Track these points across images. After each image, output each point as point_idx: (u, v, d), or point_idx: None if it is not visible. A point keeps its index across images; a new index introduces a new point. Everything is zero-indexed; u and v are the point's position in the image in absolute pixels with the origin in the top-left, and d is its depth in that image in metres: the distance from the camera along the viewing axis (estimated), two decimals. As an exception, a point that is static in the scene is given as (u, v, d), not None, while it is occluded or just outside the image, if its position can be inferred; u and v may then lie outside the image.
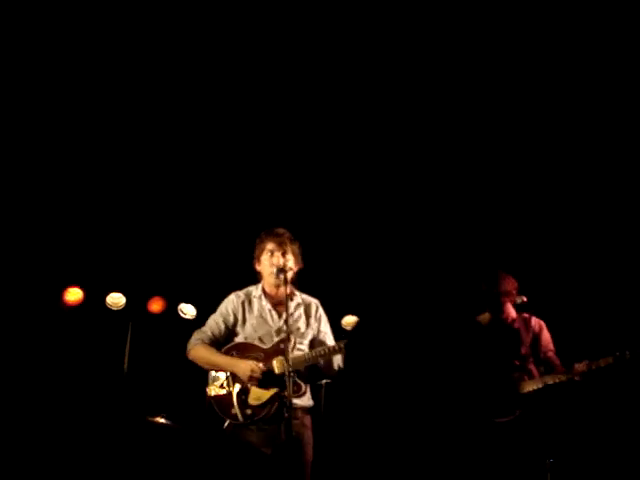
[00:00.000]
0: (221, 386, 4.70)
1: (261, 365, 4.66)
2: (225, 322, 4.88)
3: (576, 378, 5.48)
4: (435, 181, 7.65)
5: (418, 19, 6.34)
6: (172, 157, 7.35)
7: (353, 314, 8.23)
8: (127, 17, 6.23)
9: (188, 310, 7.84)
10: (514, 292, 5.85)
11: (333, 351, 4.73)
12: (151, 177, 7.45)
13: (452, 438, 6.40)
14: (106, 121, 7.02)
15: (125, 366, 7.76)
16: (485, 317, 6.06)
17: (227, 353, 4.78)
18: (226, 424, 4.69)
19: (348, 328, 8.32)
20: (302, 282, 5.03)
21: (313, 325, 4.95)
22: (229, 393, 4.67)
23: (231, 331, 4.89)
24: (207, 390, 4.74)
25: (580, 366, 5.46)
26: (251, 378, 4.63)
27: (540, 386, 5.59)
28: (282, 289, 4.76)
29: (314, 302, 5.02)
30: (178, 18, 6.29)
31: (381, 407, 7.96)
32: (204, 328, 4.92)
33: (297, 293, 4.99)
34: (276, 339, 4.80)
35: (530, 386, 5.62)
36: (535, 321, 5.93)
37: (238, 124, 7.21)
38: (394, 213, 7.79)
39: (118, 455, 7.08)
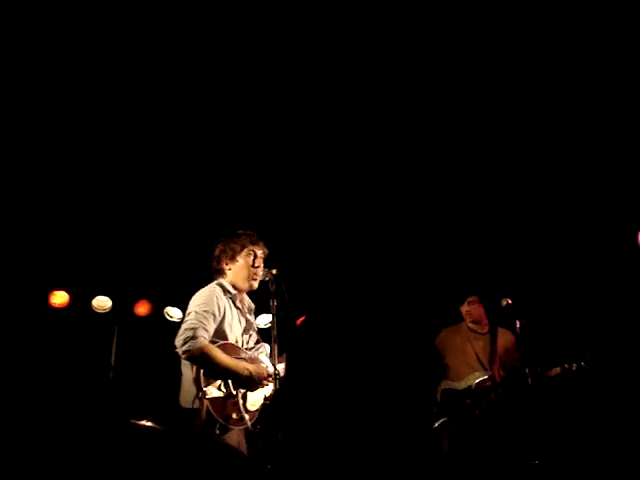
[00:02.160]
0: (220, 389, 4.47)
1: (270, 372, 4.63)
2: (214, 313, 4.63)
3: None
4: (417, 185, 7.68)
5: (418, 19, 6.33)
6: (159, 161, 7.34)
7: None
8: (126, 17, 6.20)
9: (174, 313, 7.84)
10: (501, 299, 5.96)
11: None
12: (137, 181, 7.43)
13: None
14: (89, 123, 6.99)
15: (111, 369, 7.75)
16: (462, 325, 6.25)
17: None
18: (217, 430, 4.46)
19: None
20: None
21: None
22: (229, 397, 4.50)
23: (218, 326, 4.65)
24: (204, 392, 4.41)
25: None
26: (267, 381, 4.60)
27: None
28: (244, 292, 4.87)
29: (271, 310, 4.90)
30: (171, 17, 6.27)
31: (353, 403, 8.00)
32: (202, 323, 4.53)
33: (248, 300, 4.98)
34: (251, 342, 4.84)
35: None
36: (506, 333, 6.21)
37: (222, 133, 7.20)
38: (378, 217, 7.83)
39: (104, 458, 7.07)
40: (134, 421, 5.98)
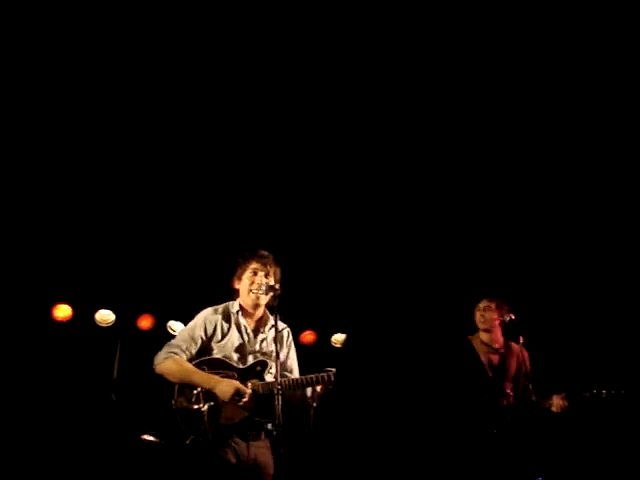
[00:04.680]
0: (190, 401, 4.59)
1: (247, 390, 4.62)
2: (201, 336, 4.78)
3: (553, 409, 5.54)
4: (422, 198, 7.68)
5: (418, 19, 6.34)
6: (163, 173, 7.35)
7: (341, 332, 8.28)
8: (125, 16, 6.22)
9: (177, 327, 7.83)
10: (504, 315, 5.91)
11: (321, 381, 4.69)
12: (140, 196, 7.45)
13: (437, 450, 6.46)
14: (89, 133, 7.00)
15: (114, 383, 7.74)
16: (476, 338, 6.12)
17: (198, 367, 4.71)
18: (188, 441, 4.56)
19: (337, 345, 8.36)
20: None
21: (283, 350, 4.96)
22: (199, 409, 4.57)
23: (205, 346, 4.80)
24: (173, 402, 4.61)
25: (557, 400, 5.53)
26: (233, 399, 4.59)
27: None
28: (260, 310, 4.92)
29: (285, 328, 4.99)
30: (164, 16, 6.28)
31: (374, 419, 7.98)
32: (176, 341, 4.81)
33: (270, 317, 4.98)
34: (251, 360, 4.83)
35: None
36: (520, 350, 6.01)
37: (222, 148, 7.22)
38: (383, 229, 7.82)
39: (107, 472, 7.06)
40: (139, 435, 6.01)
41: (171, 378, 4.68)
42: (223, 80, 6.74)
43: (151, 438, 6.24)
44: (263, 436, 4.73)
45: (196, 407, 4.58)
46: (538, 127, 7.11)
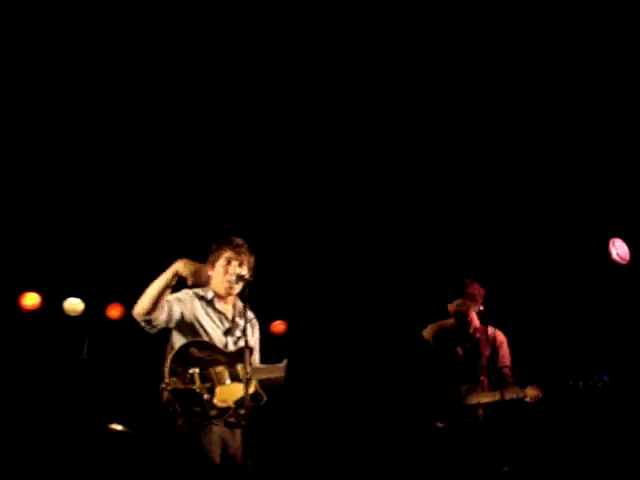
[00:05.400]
0: (184, 381, 4.54)
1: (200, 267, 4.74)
2: (181, 310, 4.76)
3: (527, 400, 5.51)
4: (392, 185, 7.68)
5: (418, 19, 6.33)
6: (131, 162, 7.28)
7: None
8: (126, 16, 6.17)
9: (147, 316, 7.78)
10: (479, 299, 5.90)
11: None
12: (109, 183, 7.37)
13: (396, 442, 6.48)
14: (60, 124, 6.94)
15: (83, 372, 7.70)
16: (447, 322, 6.08)
17: (187, 348, 4.66)
18: (179, 423, 4.53)
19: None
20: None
21: (251, 340, 4.95)
22: (193, 390, 4.54)
23: (188, 325, 4.78)
24: (167, 382, 4.51)
25: (531, 391, 5.50)
26: (187, 266, 4.66)
27: (493, 400, 5.62)
28: (232, 298, 4.92)
29: (252, 315, 4.99)
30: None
31: (326, 412, 8.00)
32: None
33: (240, 305, 4.97)
34: (232, 345, 4.83)
35: (482, 398, 5.66)
36: (496, 334, 5.97)
37: (191, 136, 7.18)
38: (352, 219, 7.82)
39: (75, 462, 7.02)
40: (107, 425, 5.98)
41: (144, 303, 4.65)
42: (195, 63, 6.67)
43: (120, 427, 6.21)
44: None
45: (192, 387, 4.54)
46: (501, 129, 7.15)
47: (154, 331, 4.76)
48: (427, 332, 6.14)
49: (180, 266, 4.69)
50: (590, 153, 6.98)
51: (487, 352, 5.91)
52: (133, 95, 6.85)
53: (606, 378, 5.38)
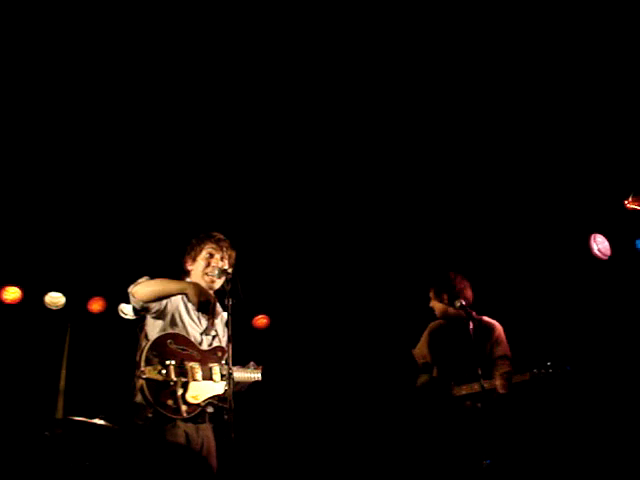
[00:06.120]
0: (160, 372, 4.49)
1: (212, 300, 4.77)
2: (167, 301, 4.75)
3: (500, 390, 5.47)
4: (373, 181, 7.69)
5: (418, 19, 6.33)
6: (111, 157, 7.25)
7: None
8: (125, 16, 6.15)
9: (128, 310, 7.77)
10: (468, 293, 5.86)
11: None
12: (90, 177, 7.33)
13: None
14: (46, 121, 6.90)
15: (63, 367, 7.67)
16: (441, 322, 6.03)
17: (164, 339, 4.65)
18: (149, 414, 4.48)
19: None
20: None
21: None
22: (168, 382, 4.51)
23: (168, 315, 4.77)
24: (142, 371, 4.46)
25: (501, 380, 5.47)
26: (200, 295, 4.69)
27: (472, 391, 5.56)
28: (211, 292, 4.90)
29: (224, 312, 4.94)
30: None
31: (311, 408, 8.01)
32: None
33: (218, 307, 5.00)
34: (205, 343, 4.83)
35: (464, 390, 5.65)
36: (491, 324, 5.84)
37: (171, 131, 7.15)
38: (334, 215, 7.83)
39: (55, 457, 6.98)
40: (87, 419, 5.94)
41: (147, 293, 4.63)
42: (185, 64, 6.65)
43: (102, 422, 6.18)
44: (207, 420, 4.71)
45: (167, 380, 4.50)
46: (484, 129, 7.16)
47: (137, 316, 4.80)
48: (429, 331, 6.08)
49: (192, 291, 4.71)
50: (571, 149, 7.00)
51: (486, 346, 5.73)
52: (120, 94, 6.82)
53: (568, 367, 5.39)
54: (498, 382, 5.44)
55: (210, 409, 4.67)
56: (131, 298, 4.69)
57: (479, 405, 5.60)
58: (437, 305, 5.94)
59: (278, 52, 6.58)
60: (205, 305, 4.78)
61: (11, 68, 6.37)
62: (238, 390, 4.84)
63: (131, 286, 4.69)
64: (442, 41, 6.51)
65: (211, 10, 6.20)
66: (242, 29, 6.37)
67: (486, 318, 5.85)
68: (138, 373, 4.49)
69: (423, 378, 5.91)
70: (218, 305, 4.99)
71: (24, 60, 6.35)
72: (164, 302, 4.75)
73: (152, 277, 4.76)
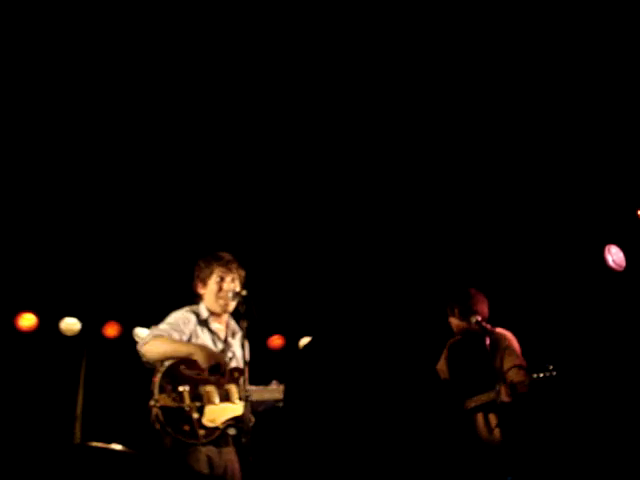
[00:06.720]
0: (174, 399, 4.50)
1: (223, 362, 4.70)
2: (180, 333, 4.76)
3: (504, 399, 5.43)
4: (386, 201, 7.67)
5: (418, 19, 6.32)
6: (124, 182, 7.26)
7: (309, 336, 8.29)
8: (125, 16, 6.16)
9: (144, 334, 7.76)
10: (483, 308, 5.86)
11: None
12: (104, 202, 7.35)
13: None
14: (49, 136, 6.92)
15: (80, 392, 7.66)
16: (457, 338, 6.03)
17: (177, 366, 4.64)
18: (168, 442, 4.50)
19: None
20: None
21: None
22: (182, 408, 4.50)
23: (186, 340, 4.79)
24: (156, 399, 4.48)
25: (505, 388, 5.46)
26: (209, 359, 4.63)
27: (480, 402, 5.60)
28: (225, 315, 4.94)
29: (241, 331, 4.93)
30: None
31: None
32: (162, 326, 4.78)
33: (232, 321, 5.01)
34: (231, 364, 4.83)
35: (473, 402, 5.64)
36: (502, 335, 5.79)
37: (180, 153, 7.17)
38: (351, 231, 7.81)
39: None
40: (105, 445, 5.92)
41: (156, 355, 4.62)
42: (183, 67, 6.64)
43: (120, 448, 6.16)
44: (230, 442, 4.69)
45: (182, 406, 4.50)
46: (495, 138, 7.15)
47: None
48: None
49: (201, 357, 4.67)
50: (586, 161, 6.98)
51: (498, 359, 5.71)
52: (130, 114, 6.84)
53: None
54: (502, 390, 5.43)
55: (232, 431, 4.64)
56: (140, 355, 4.70)
57: (491, 418, 5.60)
58: (454, 321, 6.00)
59: (282, 57, 6.58)
60: (215, 368, 4.71)
61: (11, 69, 6.35)
62: (263, 410, 4.84)
63: (140, 343, 4.70)
64: (446, 43, 6.50)
65: (211, 12, 6.21)
66: (243, 32, 6.38)
67: (499, 329, 5.82)
68: (152, 402, 4.50)
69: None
70: (234, 324, 4.98)
71: (25, 63, 6.32)
72: (187, 333, 4.77)
73: (165, 311, 4.80)
